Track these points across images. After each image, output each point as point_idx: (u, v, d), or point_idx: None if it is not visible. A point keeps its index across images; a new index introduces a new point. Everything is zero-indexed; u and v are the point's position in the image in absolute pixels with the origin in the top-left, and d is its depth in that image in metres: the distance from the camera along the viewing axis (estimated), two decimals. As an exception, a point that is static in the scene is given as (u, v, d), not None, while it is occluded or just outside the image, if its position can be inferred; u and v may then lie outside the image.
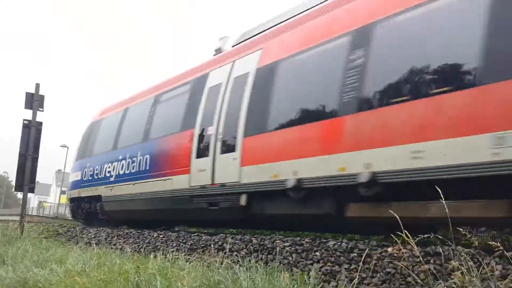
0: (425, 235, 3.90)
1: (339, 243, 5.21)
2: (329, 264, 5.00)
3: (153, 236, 9.72)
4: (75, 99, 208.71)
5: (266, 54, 8.26)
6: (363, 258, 4.31)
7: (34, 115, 12.74)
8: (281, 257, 5.62)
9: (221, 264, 5.05)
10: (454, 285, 3.59)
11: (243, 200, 7.89)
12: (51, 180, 79.16)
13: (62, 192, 49.55)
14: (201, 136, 9.04)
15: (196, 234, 8.64)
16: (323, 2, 7.86)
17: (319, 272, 4.63)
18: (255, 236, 6.81)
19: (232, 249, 6.69)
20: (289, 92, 7.68)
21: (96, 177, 12.99)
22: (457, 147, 4.91)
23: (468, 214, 5.04)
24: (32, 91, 12.80)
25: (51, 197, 70.90)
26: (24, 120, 12.72)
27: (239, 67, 8.77)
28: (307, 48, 7.36)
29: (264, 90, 7.88)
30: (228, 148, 8.32)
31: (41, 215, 35.27)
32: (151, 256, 6.15)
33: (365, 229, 7.63)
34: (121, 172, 11.60)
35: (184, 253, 6.79)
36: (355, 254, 4.88)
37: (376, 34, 6.25)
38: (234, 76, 8.76)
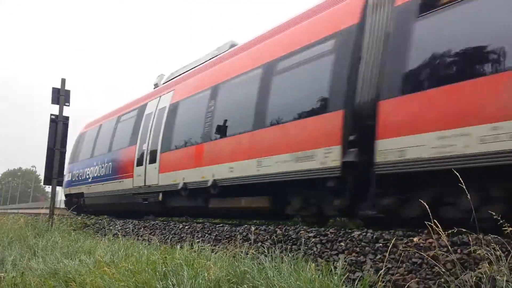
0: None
1: (364, 233, 5.19)
2: (354, 254, 5.00)
3: (178, 227, 9.86)
4: (105, 91, 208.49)
5: (175, 94, 11.73)
6: (389, 248, 4.29)
7: (61, 109, 12.98)
8: (306, 247, 5.64)
9: (247, 254, 5.09)
10: (481, 275, 3.54)
11: (160, 197, 11.36)
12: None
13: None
14: (140, 150, 12.46)
15: (220, 225, 8.73)
16: (205, 62, 11.50)
17: (344, 262, 4.62)
18: (279, 226, 6.83)
19: (257, 239, 6.75)
20: (180, 123, 11.06)
21: (79, 178, 16.85)
22: (246, 165, 8.36)
23: (257, 205, 8.53)
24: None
25: (78, 190, 72.44)
26: (51, 115, 12.96)
27: (162, 102, 12.15)
28: (191, 95, 10.96)
29: (170, 120, 11.33)
30: (153, 159, 11.63)
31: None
32: (178, 246, 6.25)
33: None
34: (95, 175, 15.29)
35: (209, 244, 6.88)
36: (380, 244, 4.85)
37: (218, 91, 9.85)
38: (159, 108, 12.14)
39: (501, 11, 5.13)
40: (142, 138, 12.49)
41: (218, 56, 11.03)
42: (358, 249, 5.01)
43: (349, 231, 5.53)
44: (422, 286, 3.95)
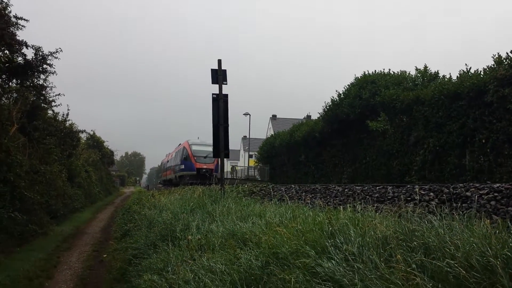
0: None
1: (547, 188, 4.70)
2: (536, 210, 4.57)
3: (338, 190, 10.07)
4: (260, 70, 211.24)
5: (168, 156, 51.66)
6: None
7: (220, 88, 14.06)
8: (478, 205, 5.33)
9: (413, 213, 5.02)
10: None
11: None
12: (239, 145, 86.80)
13: (250, 156, 54.00)
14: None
15: (381, 186, 8.67)
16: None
17: (525, 219, 4.27)
18: (446, 185, 6.54)
19: (422, 199, 6.57)
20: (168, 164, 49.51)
21: (161, 175, 58.25)
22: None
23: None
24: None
25: (240, 161, 77.95)
26: (212, 94, 14.13)
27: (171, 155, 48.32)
28: (170, 158, 48.11)
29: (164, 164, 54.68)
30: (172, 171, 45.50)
31: (235, 177, 39.24)
32: (341, 208, 6.43)
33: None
34: (165, 173, 49.96)
35: (371, 205, 6.92)
36: None
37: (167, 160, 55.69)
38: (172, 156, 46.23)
39: None
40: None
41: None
42: (541, 205, 4.57)
43: (529, 186, 5.05)
44: None
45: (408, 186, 7.99)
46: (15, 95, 15.95)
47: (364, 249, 4.18)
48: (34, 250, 11.99)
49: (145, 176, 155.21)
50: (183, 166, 35.01)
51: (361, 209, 6.25)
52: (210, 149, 35.27)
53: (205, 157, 32.47)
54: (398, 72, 20.06)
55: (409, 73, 19.63)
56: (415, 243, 3.98)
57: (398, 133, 17.00)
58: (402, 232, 4.35)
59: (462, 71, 14.80)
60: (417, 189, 6.84)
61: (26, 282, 8.62)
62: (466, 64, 14.96)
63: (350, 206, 6.53)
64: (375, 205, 7.33)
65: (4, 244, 11.32)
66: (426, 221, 4.57)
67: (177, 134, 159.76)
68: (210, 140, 36.62)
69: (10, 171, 13.00)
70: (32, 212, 14.25)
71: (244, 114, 49.76)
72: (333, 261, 4.20)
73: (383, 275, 3.55)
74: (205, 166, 32.51)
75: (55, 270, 10.18)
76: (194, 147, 34.02)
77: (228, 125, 14.08)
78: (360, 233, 4.71)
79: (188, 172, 33.23)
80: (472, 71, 14.41)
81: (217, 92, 14.02)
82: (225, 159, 15.34)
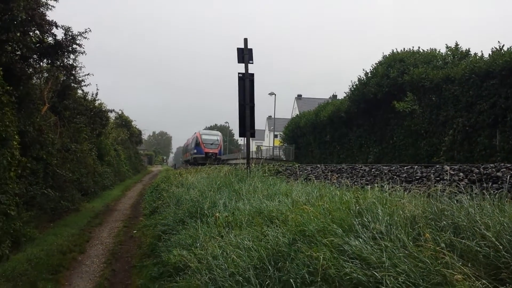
0: None
1: None
2: None
3: (365, 170, 10.01)
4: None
5: (187, 141, 64.34)
6: None
7: (246, 67, 13.99)
8: (509, 185, 5.24)
9: (442, 193, 4.97)
10: None
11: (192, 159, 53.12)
12: (264, 125, 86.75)
13: (275, 136, 53.96)
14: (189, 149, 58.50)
15: (409, 166, 8.58)
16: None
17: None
18: (476, 166, 6.43)
19: (451, 179, 6.49)
20: (187, 148, 61.53)
21: (182, 155, 74.45)
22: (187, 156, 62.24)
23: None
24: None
25: (265, 141, 78.00)
26: (238, 73, 14.09)
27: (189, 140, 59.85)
28: (188, 143, 60.52)
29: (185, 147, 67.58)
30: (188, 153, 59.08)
31: (260, 157, 39.38)
32: (368, 187, 6.41)
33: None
34: (186, 155, 62.71)
35: (398, 185, 6.87)
36: None
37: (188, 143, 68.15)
38: (190, 142, 58.47)
39: None
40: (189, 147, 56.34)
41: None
42: None
43: None
44: None
45: (437, 166, 7.89)
46: (46, 75, 16.28)
47: (392, 228, 4.18)
48: (67, 225, 12.39)
49: (171, 155, 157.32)
50: (195, 151, 46.94)
51: (388, 189, 6.21)
52: (215, 137, 47.42)
53: (211, 144, 45.65)
54: (427, 50, 19.59)
55: (439, 51, 19.14)
56: (444, 222, 3.96)
57: (426, 112, 16.69)
58: (431, 211, 4.33)
59: (494, 49, 14.35)
60: (447, 168, 6.74)
61: (59, 256, 8.95)
62: (499, 42, 14.50)
63: (377, 186, 6.50)
64: (403, 185, 7.28)
65: (38, 220, 11.72)
66: (455, 201, 4.53)
67: (201, 114, 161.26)
68: (215, 131, 55.63)
69: (42, 149, 13.37)
70: (64, 189, 14.69)
71: (269, 94, 49.58)
72: (360, 239, 4.22)
73: (411, 253, 3.55)
74: (211, 151, 45.04)
75: (87, 244, 10.53)
76: (203, 136, 46.84)
77: (254, 104, 14.07)
78: (388, 212, 4.70)
79: (199, 155, 45.25)
80: (505, 48, 13.95)
81: (243, 71, 14.00)
82: (250, 139, 15.39)
